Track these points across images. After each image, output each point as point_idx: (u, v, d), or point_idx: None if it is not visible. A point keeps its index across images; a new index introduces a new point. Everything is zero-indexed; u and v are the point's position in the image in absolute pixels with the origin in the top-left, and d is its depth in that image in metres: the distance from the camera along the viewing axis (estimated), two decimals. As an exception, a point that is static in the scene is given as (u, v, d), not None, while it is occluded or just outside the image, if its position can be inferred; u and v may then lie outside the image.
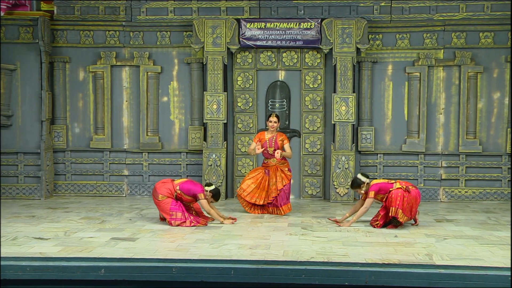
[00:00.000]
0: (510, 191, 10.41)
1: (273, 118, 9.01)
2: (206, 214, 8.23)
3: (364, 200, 7.99)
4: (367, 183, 7.99)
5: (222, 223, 8.06)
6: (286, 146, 9.02)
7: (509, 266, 5.67)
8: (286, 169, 8.98)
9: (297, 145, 10.75)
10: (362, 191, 8.00)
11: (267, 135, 9.05)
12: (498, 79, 10.49)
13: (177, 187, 8.01)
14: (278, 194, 8.87)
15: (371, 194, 7.86)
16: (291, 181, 9.17)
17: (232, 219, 8.23)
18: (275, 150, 8.91)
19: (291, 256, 6.15)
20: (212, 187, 8.09)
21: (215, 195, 8.08)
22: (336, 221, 8.10)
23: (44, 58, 10.53)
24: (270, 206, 8.96)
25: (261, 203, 8.92)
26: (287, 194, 8.98)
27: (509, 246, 6.56)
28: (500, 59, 10.45)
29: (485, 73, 10.50)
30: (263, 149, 8.92)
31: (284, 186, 8.90)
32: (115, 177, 11.02)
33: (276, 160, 8.95)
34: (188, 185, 8.06)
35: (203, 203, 7.95)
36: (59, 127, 10.94)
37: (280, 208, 8.91)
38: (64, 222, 8.19)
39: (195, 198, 8.01)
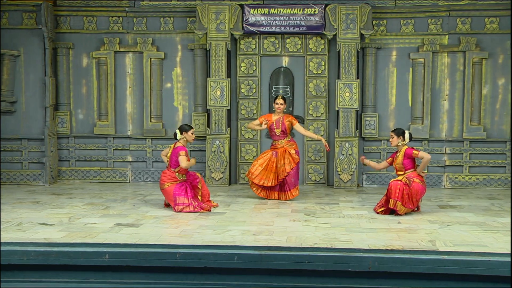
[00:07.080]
0: (511, 177, 10.42)
1: (279, 100, 9.05)
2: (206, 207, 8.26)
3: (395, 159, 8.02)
4: (404, 143, 7.95)
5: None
6: (298, 126, 9.11)
7: (512, 252, 5.67)
8: (294, 152, 8.97)
9: (301, 132, 10.73)
10: (394, 143, 7.98)
11: (274, 117, 9.07)
12: (503, 65, 10.42)
13: (172, 169, 8.10)
14: (286, 177, 8.89)
15: (416, 152, 7.84)
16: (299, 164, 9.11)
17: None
18: (282, 131, 8.96)
19: (295, 242, 6.16)
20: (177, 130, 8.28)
21: (181, 129, 8.23)
22: (364, 159, 8.29)
23: (48, 44, 10.51)
24: (278, 191, 8.98)
25: (269, 185, 8.90)
26: (295, 178, 8.98)
27: (513, 233, 6.57)
28: (505, 44, 10.38)
29: (490, 59, 10.44)
30: (266, 125, 8.98)
31: (291, 169, 8.91)
32: (119, 163, 11.04)
33: (284, 141, 8.98)
34: (172, 157, 8.15)
35: (181, 160, 8.01)
36: (63, 113, 10.94)
37: (288, 193, 8.95)
38: (68, 208, 8.22)
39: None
